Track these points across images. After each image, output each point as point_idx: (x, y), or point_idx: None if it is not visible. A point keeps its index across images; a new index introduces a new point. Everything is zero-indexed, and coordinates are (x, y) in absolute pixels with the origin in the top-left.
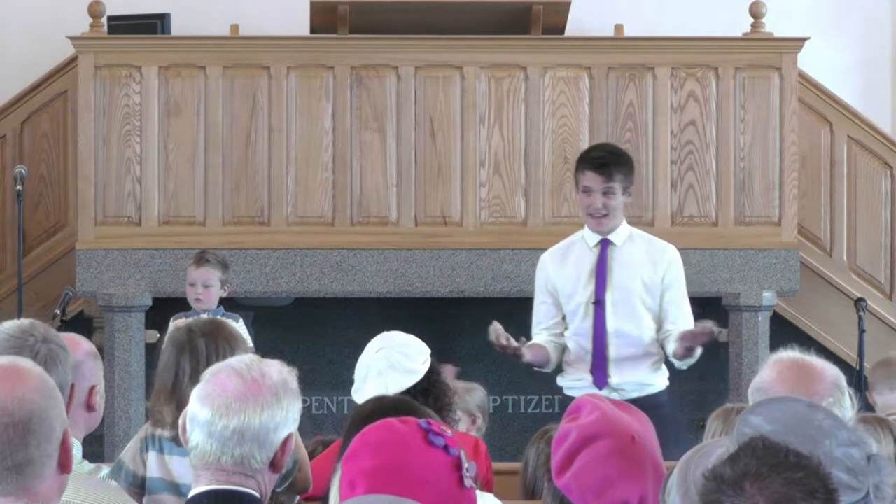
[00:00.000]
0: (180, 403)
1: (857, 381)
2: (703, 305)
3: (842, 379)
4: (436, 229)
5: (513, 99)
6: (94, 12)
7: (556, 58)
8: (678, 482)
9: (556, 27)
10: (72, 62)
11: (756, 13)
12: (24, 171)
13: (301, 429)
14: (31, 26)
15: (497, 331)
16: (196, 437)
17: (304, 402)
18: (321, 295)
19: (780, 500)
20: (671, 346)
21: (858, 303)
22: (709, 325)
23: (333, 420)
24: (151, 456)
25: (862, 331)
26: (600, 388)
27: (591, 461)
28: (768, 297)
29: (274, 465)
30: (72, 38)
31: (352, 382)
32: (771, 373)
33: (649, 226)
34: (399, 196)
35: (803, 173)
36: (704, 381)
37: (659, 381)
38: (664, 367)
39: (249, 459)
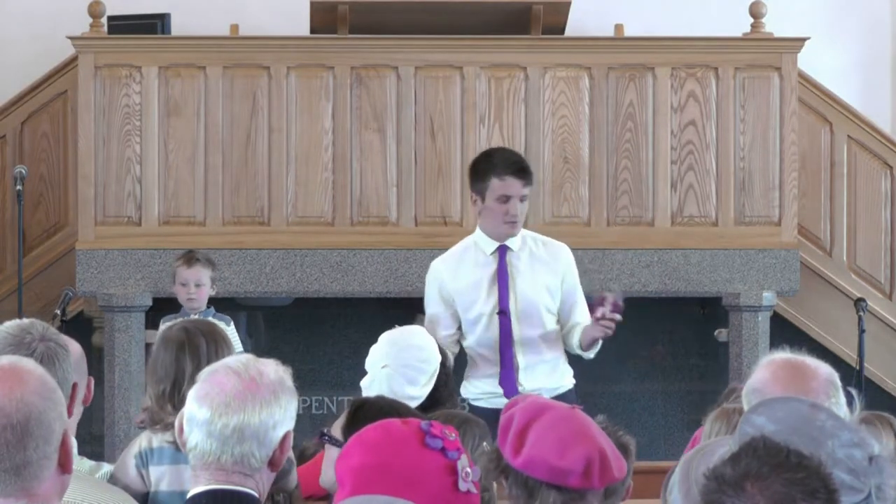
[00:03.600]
0: (179, 404)
1: (858, 380)
2: (704, 305)
3: (835, 376)
4: (436, 229)
5: (513, 99)
6: (94, 12)
7: (556, 58)
8: (680, 481)
9: (556, 27)
10: (72, 62)
11: (756, 13)
12: (24, 171)
13: (302, 429)
14: (31, 26)
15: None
16: (195, 437)
17: (304, 402)
18: (321, 295)
19: (780, 500)
20: (576, 338)
21: (858, 303)
22: (608, 299)
23: (333, 420)
24: (157, 470)
25: (862, 331)
26: (510, 397)
27: (544, 429)
28: (768, 297)
29: (272, 463)
30: (72, 38)
31: (352, 382)
32: (765, 373)
33: (649, 226)
34: (399, 196)
35: (803, 173)
36: (704, 381)
37: (567, 380)
38: (567, 365)
39: (249, 458)
